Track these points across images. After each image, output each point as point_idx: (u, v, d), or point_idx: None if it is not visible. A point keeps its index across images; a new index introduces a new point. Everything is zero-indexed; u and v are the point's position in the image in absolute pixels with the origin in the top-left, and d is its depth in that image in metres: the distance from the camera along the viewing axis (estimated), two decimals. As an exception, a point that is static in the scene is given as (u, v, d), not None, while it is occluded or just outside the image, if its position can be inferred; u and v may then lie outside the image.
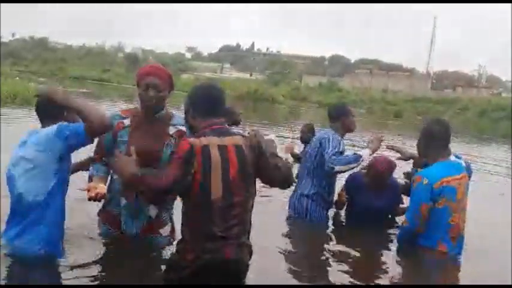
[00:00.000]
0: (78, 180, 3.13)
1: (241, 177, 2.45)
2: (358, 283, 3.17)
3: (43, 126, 2.75)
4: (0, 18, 59.06)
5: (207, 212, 2.39)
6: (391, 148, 4.19)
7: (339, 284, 3.14)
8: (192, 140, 2.43)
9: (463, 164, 3.56)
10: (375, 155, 4.14)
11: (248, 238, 2.54)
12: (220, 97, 2.61)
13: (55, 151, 2.60)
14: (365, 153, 3.96)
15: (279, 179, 2.56)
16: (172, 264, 2.54)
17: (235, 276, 2.49)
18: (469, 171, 3.66)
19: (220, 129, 2.52)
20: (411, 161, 4.14)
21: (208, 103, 2.55)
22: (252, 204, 2.54)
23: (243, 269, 2.52)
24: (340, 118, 4.21)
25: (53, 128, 2.62)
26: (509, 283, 3.25)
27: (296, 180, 4.30)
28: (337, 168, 3.90)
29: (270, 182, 2.63)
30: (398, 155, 4.09)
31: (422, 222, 3.35)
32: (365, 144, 4.52)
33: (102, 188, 2.93)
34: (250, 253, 2.55)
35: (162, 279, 2.61)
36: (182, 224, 2.51)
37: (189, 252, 2.42)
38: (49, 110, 2.73)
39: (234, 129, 5.25)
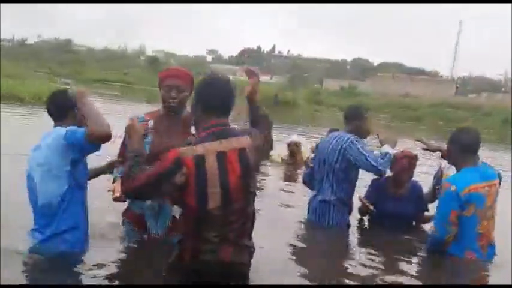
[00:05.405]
0: (107, 181, 3.23)
1: (243, 183, 2.34)
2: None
3: (56, 125, 2.85)
4: (0, 17, 60.17)
5: (204, 220, 2.32)
6: (418, 141, 4.10)
7: (340, 284, 3.08)
8: (183, 150, 2.27)
9: (495, 172, 3.46)
10: (395, 151, 4.02)
11: (250, 240, 2.46)
12: (228, 93, 2.38)
13: (65, 154, 2.67)
14: (390, 149, 3.88)
15: None
16: (172, 265, 2.47)
17: (235, 279, 2.42)
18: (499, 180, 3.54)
19: (222, 131, 2.34)
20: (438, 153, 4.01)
21: (214, 99, 2.35)
22: (254, 206, 2.46)
23: (243, 271, 2.45)
24: (353, 122, 4.08)
25: (62, 131, 2.68)
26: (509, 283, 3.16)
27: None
28: (384, 170, 3.91)
29: None
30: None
31: (453, 229, 3.26)
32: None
33: None
34: (251, 254, 2.46)
35: (163, 279, 2.55)
36: (181, 225, 2.45)
37: (186, 251, 2.37)
38: (58, 109, 2.84)
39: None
